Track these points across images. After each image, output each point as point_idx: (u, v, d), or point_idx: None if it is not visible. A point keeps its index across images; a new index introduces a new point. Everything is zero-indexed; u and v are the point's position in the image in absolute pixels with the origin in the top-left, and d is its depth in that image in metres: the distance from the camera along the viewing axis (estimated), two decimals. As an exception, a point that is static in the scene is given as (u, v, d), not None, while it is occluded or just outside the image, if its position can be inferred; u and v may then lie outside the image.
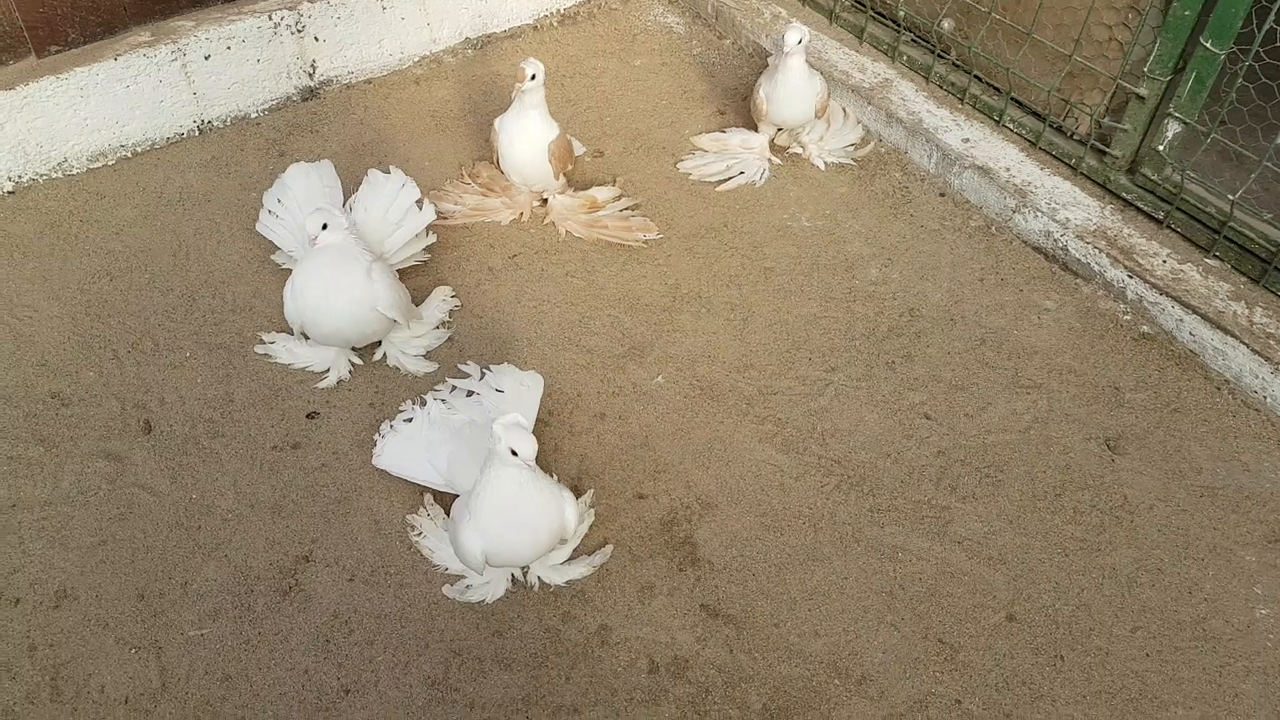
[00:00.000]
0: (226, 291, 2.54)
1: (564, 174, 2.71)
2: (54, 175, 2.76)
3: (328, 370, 2.34)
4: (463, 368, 2.36)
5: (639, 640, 1.96)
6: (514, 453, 1.76)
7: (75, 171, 2.79)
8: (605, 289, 2.63)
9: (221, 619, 1.94)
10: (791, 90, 2.81)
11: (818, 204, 2.90)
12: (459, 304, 2.55)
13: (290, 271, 2.32)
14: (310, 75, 3.05)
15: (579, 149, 2.88)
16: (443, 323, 2.48)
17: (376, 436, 2.17)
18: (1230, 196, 2.46)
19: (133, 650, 1.89)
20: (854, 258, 2.75)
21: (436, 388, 2.31)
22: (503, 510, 1.81)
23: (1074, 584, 2.09)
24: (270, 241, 2.55)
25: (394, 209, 2.49)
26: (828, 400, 2.40)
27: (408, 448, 2.11)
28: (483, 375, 2.28)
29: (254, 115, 3.03)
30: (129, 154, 2.85)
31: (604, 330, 2.53)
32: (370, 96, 3.13)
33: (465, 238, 2.73)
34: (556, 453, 2.26)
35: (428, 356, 2.40)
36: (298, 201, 2.47)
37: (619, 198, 2.83)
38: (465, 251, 2.69)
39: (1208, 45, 2.40)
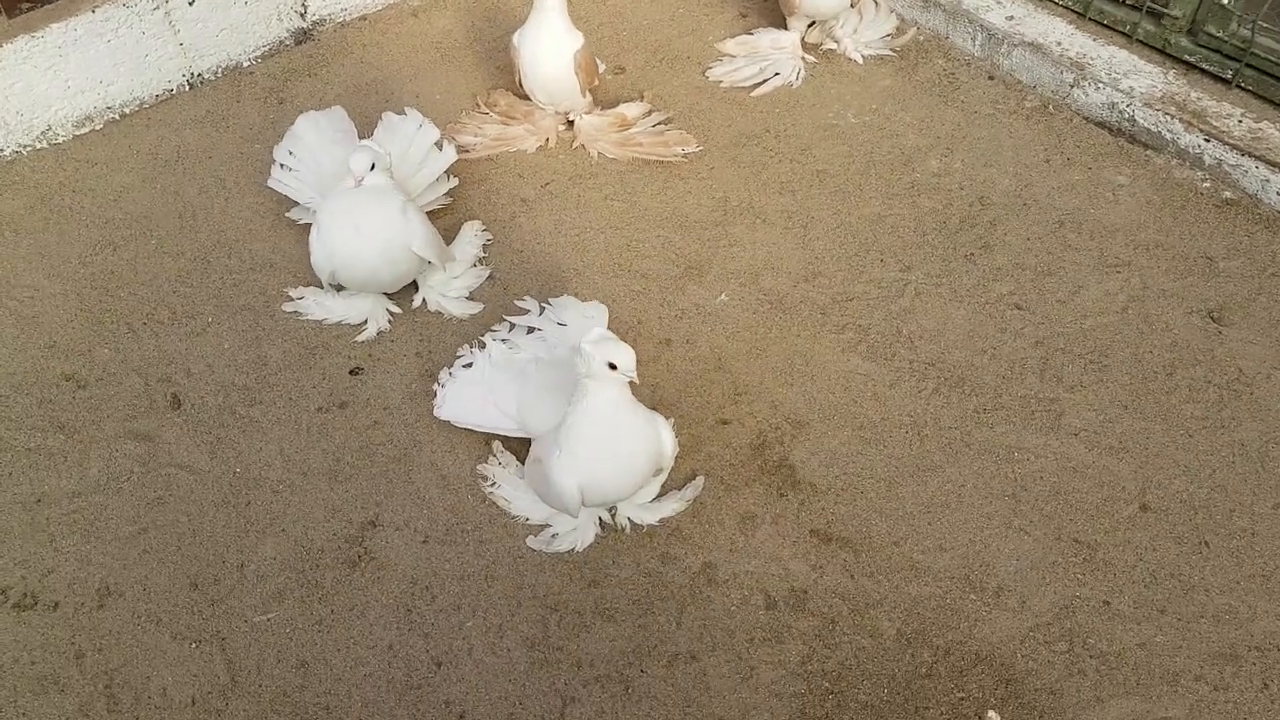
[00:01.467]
0: (243, 250, 2.32)
1: (589, 91, 2.49)
2: (39, 145, 2.52)
3: (365, 322, 2.13)
4: (520, 304, 2.15)
5: (749, 575, 1.78)
6: (612, 366, 1.56)
7: (61, 139, 2.55)
8: (650, 209, 2.42)
9: (288, 600, 1.75)
10: (824, -22, 2.59)
11: (862, 99, 2.69)
12: (490, 237, 2.34)
13: (310, 226, 2.11)
14: (302, 16, 2.81)
15: (600, 67, 2.66)
16: (479, 260, 2.28)
17: (435, 386, 1.97)
18: (1312, 40, 2.26)
19: (193, 645, 1.70)
20: (911, 150, 2.55)
21: (494, 329, 2.11)
22: (602, 440, 1.63)
23: (1204, 465, 1.92)
24: (284, 197, 2.33)
25: (413, 150, 2.28)
26: (909, 301, 2.21)
27: (471, 394, 1.91)
28: (542, 310, 2.09)
29: (246, 64, 2.78)
30: (117, 116, 2.61)
31: (655, 253, 2.32)
32: (368, 34, 2.89)
33: (492, 171, 2.51)
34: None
35: (471, 298, 2.20)
36: (311, 152, 2.26)
37: (649, 113, 2.61)
38: (494, 185, 2.47)
39: (1282, -126, 2.20)
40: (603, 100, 2.64)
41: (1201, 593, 1.75)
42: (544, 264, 2.30)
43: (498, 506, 1.86)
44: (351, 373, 2.08)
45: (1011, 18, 2.72)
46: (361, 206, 1.94)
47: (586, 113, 2.54)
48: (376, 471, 1.92)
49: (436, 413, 1.93)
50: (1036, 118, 2.62)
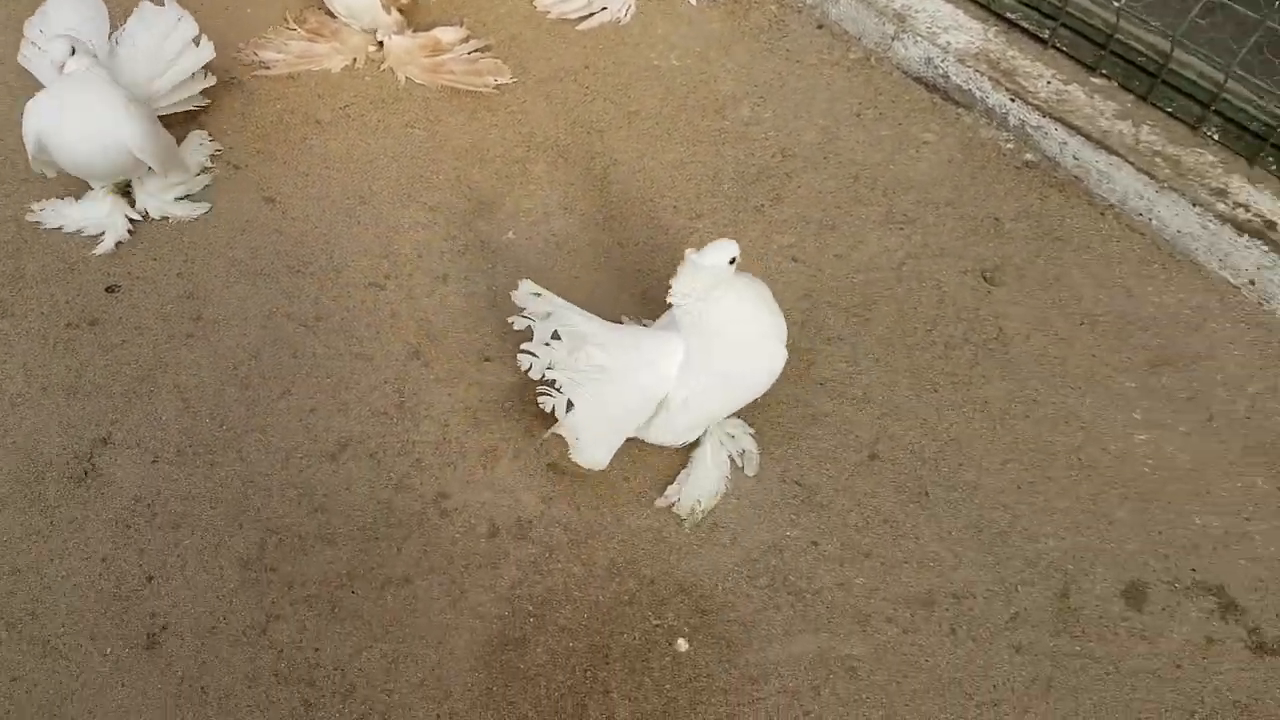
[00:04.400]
0: (16, 159, 2.27)
1: (399, 9, 2.44)
2: None
3: (103, 234, 2.10)
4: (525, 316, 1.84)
5: (480, 505, 1.83)
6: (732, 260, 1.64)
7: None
8: (450, 140, 2.40)
9: (7, 509, 1.76)
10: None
11: (688, 41, 2.67)
12: (219, 147, 2.31)
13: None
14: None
15: None
16: (204, 168, 2.26)
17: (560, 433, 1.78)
18: (1116, 3, 2.28)
19: (-93, 547, 1.71)
20: (725, 97, 2.54)
21: (522, 357, 1.79)
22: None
23: (943, 420, 1.97)
24: (35, 79, 2.26)
25: (168, 45, 2.21)
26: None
27: (599, 419, 1.76)
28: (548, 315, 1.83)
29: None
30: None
31: (448, 185, 2.31)
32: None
33: (290, 89, 2.47)
34: (394, 318, 2.08)
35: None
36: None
37: (466, 39, 2.57)
38: (290, 104, 2.44)
39: None
40: (418, 22, 2.60)
41: (911, 540, 1.82)
42: (331, 190, 2.28)
43: (254, 435, 1.86)
44: (108, 290, 2.06)
45: (843, -34, 2.70)
46: (71, 93, 1.91)
47: (396, 33, 2.49)
48: (117, 390, 1.92)
49: (583, 462, 1.79)
50: (857, 70, 2.62)
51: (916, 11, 2.58)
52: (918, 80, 2.58)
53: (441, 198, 2.29)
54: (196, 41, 2.24)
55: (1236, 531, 1.81)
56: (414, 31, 2.54)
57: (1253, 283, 2.13)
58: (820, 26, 2.72)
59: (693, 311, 1.69)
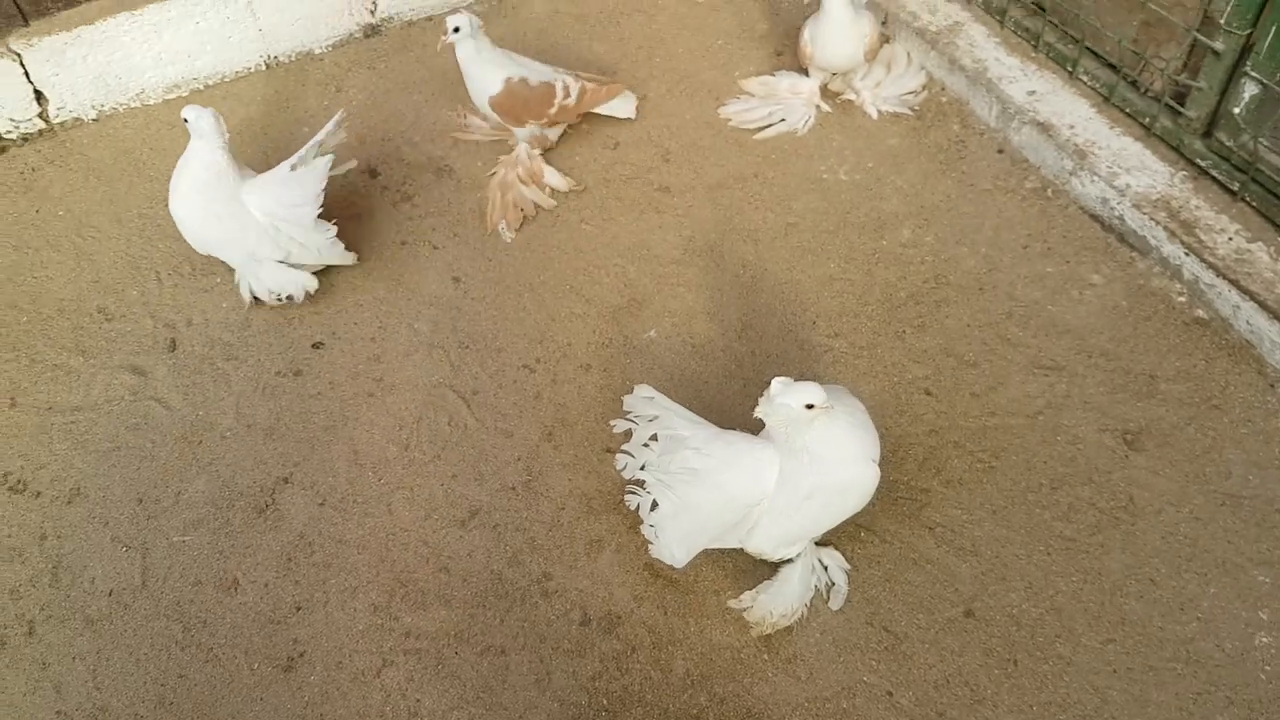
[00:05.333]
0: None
1: (543, 123, 2.67)
2: (132, 105, 2.98)
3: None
4: (631, 417, 2.01)
5: (578, 591, 2.00)
6: (809, 406, 1.73)
7: (151, 102, 3.00)
8: (617, 238, 2.61)
9: (202, 529, 2.11)
10: (836, 32, 2.65)
11: (861, 156, 2.75)
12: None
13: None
14: (372, 13, 3.13)
15: (621, 110, 2.80)
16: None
17: (643, 530, 1.92)
18: (1314, 169, 2.15)
19: (124, 549, 2.09)
20: (887, 216, 2.60)
21: (620, 459, 2.01)
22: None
23: (1049, 585, 1.95)
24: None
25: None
26: (822, 368, 2.31)
27: (681, 522, 1.87)
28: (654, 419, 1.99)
29: (318, 51, 3.14)
30: (200, 86, 3.04)
31: (607, 280, 2.52)
32: (429, 34, 3.18)
33: (488, 177, 2.76)
34: (537, 400, 2.30)
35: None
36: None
37: (568, 191, 2.71)
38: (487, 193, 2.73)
39: (1298, -6, 2.08)
40: (559, 150, 2.81)
41: (989, 707, 1.82)
42: (504, 274, 2.54)
43: (402, 492, 2.15)
44: (314, 346, 2.41)
45: (1033, 92, 2.68)
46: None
47: (530, 142, 2.70)
48: (304, 436, 2.25)
49: (661, 558, 1.90)
50: (1032, 200, 2.60)
51: (1099, 149, 2.53)
52: (1093, 217, 2.52)
53: (598, 291, 2.50)
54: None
55: (1354, 764, 1.69)
56: (540, 153, 2.72)
57: None
58: (1000, 151, 2.71)
59: (780, 432, 1.79)
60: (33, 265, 2.63)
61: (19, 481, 2.21)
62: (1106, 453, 2.13)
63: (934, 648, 1.89)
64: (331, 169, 2.40)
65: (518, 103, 2.59)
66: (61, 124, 2.93)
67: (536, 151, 2.71)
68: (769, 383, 1.77)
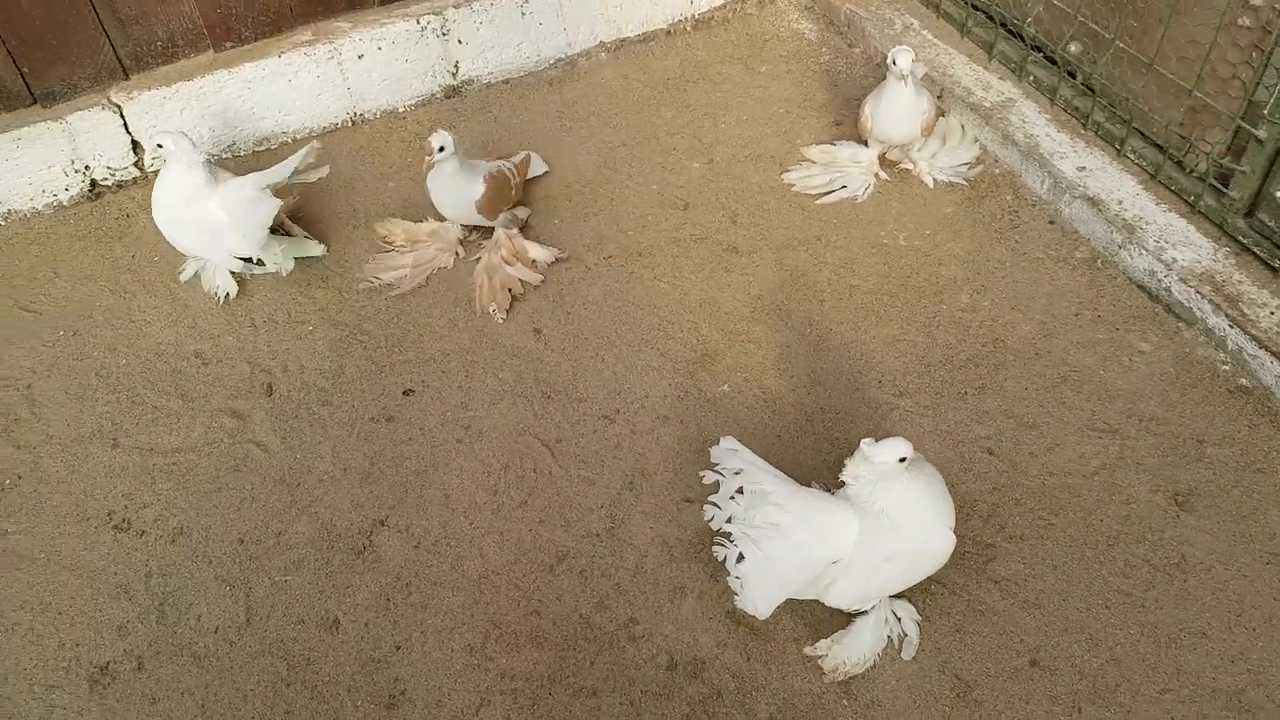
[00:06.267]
0: (354, 271, 2.83)
1: (511, 210, 2.83)
2: (224, 157, 3.13)
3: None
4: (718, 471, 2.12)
5: (663, 637, 2.11)
6: (902, 459, 1.87)
7: (243, 154, 3.15)
8: (689, 295, 2.75)
9: (303, 569, 2.23)
10: (897, 109, 2.81)
11: (919, 223, 2.90)
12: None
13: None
14: (454, 75, 3.30)
15: (538, 168, 2.99)
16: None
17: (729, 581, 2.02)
18: (1354, 250, 2.30)
19: (228, 587, 2.21)
20: (946, 281, 2.74)
21: (708, 511, 2.09)
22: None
23: (1109, 638, 2.07)
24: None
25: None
26: (890, 425, 2.44)
27: (769, 574, 1.97)
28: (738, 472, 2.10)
29: (401, 110, 3.31)
30: (289, 140, 3.20)
31: (681, 335, 2.65)
32: (506, 96, 3.35)
33: (567, 237, 2.90)
34: (618, 449, 2.42)
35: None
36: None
37: (552, 262, 2.82)
38: (569, 249, 2.88)
39: (1342, 88, 2.25)
40: (540, 210, 2.97)
41: (1056, 752, 1.93)
42: (583, 328, 2.68)
43: (493, 536, 2.26)
44: (405, 393, 2.54)
45: (1083, 168, 2.84)
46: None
47: (504, 226, 2.81)
48: (398, 480, 2.37)
49: (746, 609, 1.99)
50: (1082, 269, 2.75)
51: (1147, 224, 2.68)
52: (1141, 288, 2.67)
53: (672, 346, 2.63)
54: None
55: (1404, 819, 1.80)
56: (519, 234, 2.84)
57: None
58: (1052, 222, 2.87)
59: (863, 494, 1.91)
60: (130, 310, 2.77)
61: (123, 520, 2.33)
62: (1159, 512, 2.25)
63: (1003, 695, 2.00)
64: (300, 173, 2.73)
65: (499, 195, 2.74)
66: (155, 172, 3.08)
67: (514, 231, 2.84)
68: (855, 441, 1.90)
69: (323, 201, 3.03)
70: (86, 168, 2.99)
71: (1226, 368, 2.49)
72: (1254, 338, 2.41)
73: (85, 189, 3.03)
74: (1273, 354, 2.37)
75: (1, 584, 2.23)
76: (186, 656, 2.11)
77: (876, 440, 1.89)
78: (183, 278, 2.83)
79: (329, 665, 2.08)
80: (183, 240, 2.70)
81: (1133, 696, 1.99)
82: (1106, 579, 2.15)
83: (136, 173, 3.07)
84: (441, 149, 2.58)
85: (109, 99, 2.93)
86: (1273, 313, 2.45)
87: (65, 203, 3.03)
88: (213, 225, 2.64)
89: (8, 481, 2.40)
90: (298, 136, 3.21)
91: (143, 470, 2.41)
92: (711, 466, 2.12)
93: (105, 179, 3.04)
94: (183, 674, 2.08)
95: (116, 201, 3.05)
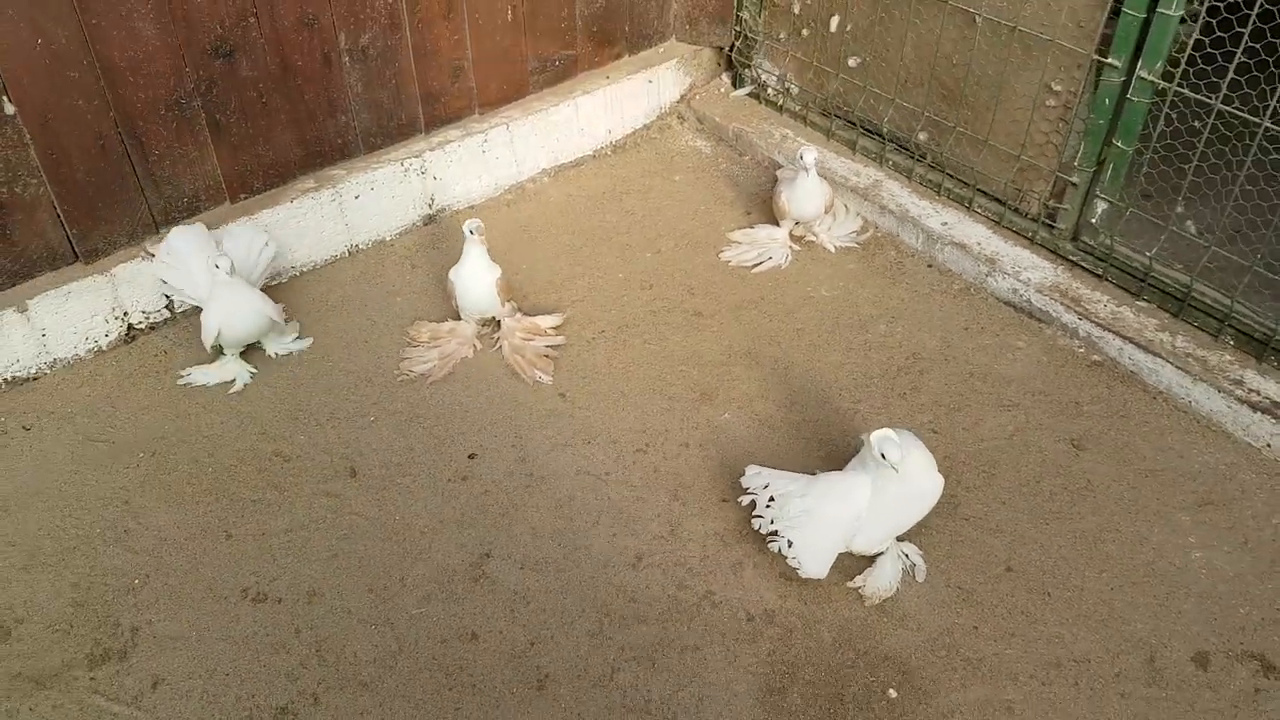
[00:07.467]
0: (391, 369, 3.31)
1: (507, 303, 3.37)
2: (243, 292, 3.55)
3: (234, 381, 3.25)
4: (751, 483, 2.72)
5: (737, 599, 2.67)
6: (883, 456, 2.49)
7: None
8: (675, 351, 3.40)
9: (433, 601, 2.64)
10: (808, 194, 3.64)
11: (833, 278, 3.71)
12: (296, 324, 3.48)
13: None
14: (430, 205, 3.89)
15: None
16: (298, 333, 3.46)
17: (783, 551, 2.61)
18: (1148, 254, 3.27)
19: (373, 627, 2.59)
20: (866, 317, 3.54)
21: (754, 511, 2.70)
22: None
23: (1054, 544, 2.80)
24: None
25: (254, 253, 3.36)
26: (859, 423, 3.15)
27: (817, 537, 2.58)
28: (766, 486, 2.71)
29: (389, 238, 3.85)
30: (298, 273, 3.65)
31: (679, 382, 3.29)
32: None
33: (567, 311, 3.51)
34: (656, 473, 3.00)
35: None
36: (183, 256, 3.23)
37: (559, 326, 3.45)
38: (569, 330, 3.47)
39: (1118, 144, 3.24)
40: (531, 305, 3.56)
41: (1041, 625, 2.61)
42: (599, 387, 3.27)
43: (580, 550, 2.76)
44: (469, 457, 3.03)
45: (945, 223, 3.75)
46: (231, 293, 3.12)
47: (508, 316, 3.39)
48: (488, 523, 2.84)
49: (808, 576, 2.60)
50: (961, 297, 3.62)
51: (1002, 256, 3.59)
52: (1007, 304, 3.56)
53: (675, 390, 3.26)
54: (268, 244, 3.37)
55: (1271, 619, 2.59)
56: (521, 314, 3.40)
57: (1269, 445, 2.98)
58: (930, 266, 3.75)
59: (893, 456, 2.57)
60: (198, 428, 3.11)
61: (259, 593, 2.67)
62: (1064, 454, 3.05)
63: (994, 594, 2.68)
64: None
65: (505, 281, 3.30)
66: (183, 312, 3.46)
67: (518, 315, 3.41)
68: (838, 441, 2.61)
69: (344, 321, 3.50)
70: (125, 314, 3.34)
71: (1082, 350, 3.38)
72: (1098, 324, 3.32)
73: (123, 333, 3.36)
74: (1113, 333, 3.28)
75: (161, 662, 2.51)
76: (354, 686, 2.47)
77: (878, 432, 2.56)
78: (181, 381, 3.27)
79: (480, 667, 2.50)
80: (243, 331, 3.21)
81: (1082, 579, 2.72)
82: (1040, 505, 2.91)
83: (167, 314, 3.43)
84: (472, 231, 3.18)
85: (145, 250, 3.32)
86: (1105, 305, 3.38)
87: (104, 347, 3.34)
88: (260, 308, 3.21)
89: (136, 581, 2.69)
90: (304, 269, 3.67)
91: (261, 551, 2.76)
92: (745, 490, 2.74)
93: (140, 322, 3.38)
94: (355, 699, 2.44)
95: (151, 341, 3.40)
